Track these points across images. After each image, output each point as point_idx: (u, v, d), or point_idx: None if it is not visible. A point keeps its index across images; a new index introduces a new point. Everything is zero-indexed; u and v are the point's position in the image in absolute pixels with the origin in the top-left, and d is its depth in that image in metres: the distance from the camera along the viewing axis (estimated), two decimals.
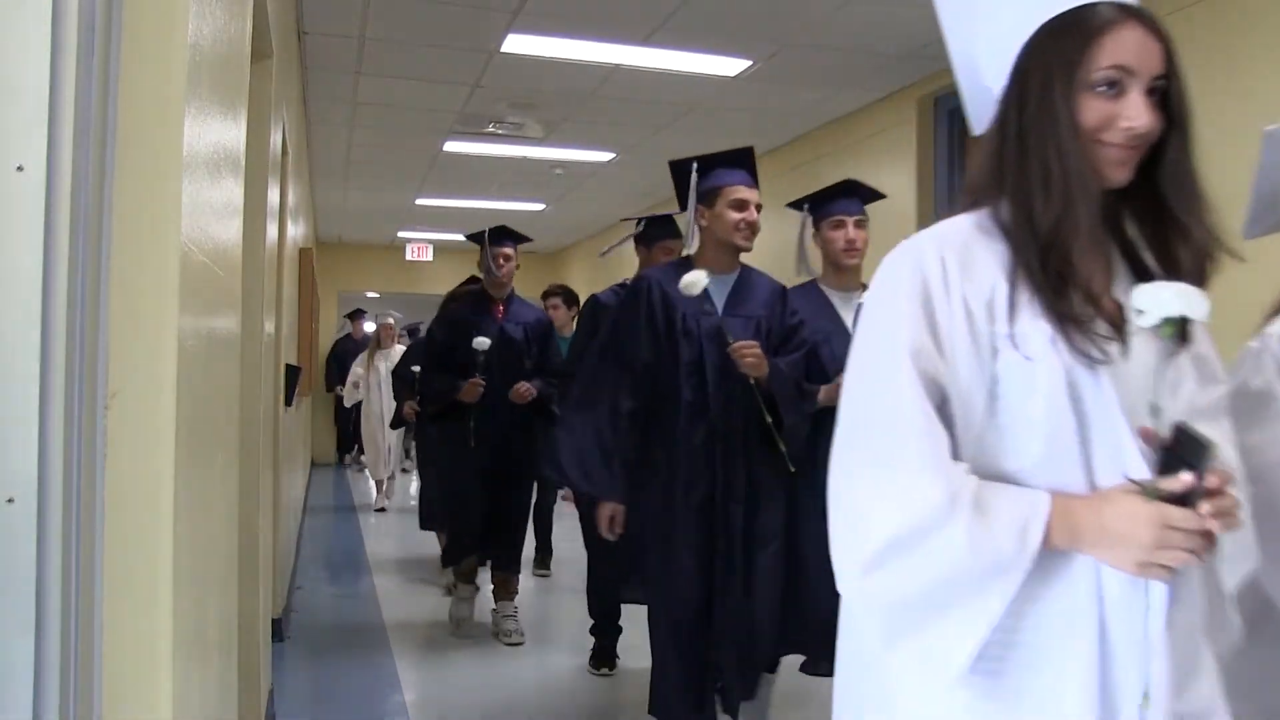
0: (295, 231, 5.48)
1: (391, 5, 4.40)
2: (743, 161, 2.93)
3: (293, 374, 4.30)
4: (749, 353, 2.78)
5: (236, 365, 2.21)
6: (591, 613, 4.17)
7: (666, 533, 2.87)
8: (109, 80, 1.11)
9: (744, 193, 2.87)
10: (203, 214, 1.54)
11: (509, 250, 4.51)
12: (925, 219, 5.28)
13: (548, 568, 6.05)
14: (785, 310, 3.01)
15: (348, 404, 8.93)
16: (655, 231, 3.91)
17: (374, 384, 8.78)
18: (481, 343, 4.32)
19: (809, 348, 2.98)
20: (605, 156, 7.44)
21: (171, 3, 1.29)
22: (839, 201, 3.10)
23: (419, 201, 9.51)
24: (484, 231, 4.48)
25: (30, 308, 0.99)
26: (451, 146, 7.11)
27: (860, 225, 3.09)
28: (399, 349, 8.75)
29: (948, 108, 5.32)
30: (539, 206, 9.71)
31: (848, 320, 3.07)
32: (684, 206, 2.98)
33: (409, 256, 12.18)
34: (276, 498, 3.78)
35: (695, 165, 2.90)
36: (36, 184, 0.99)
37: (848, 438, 1.13)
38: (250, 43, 2.39)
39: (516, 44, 4.89)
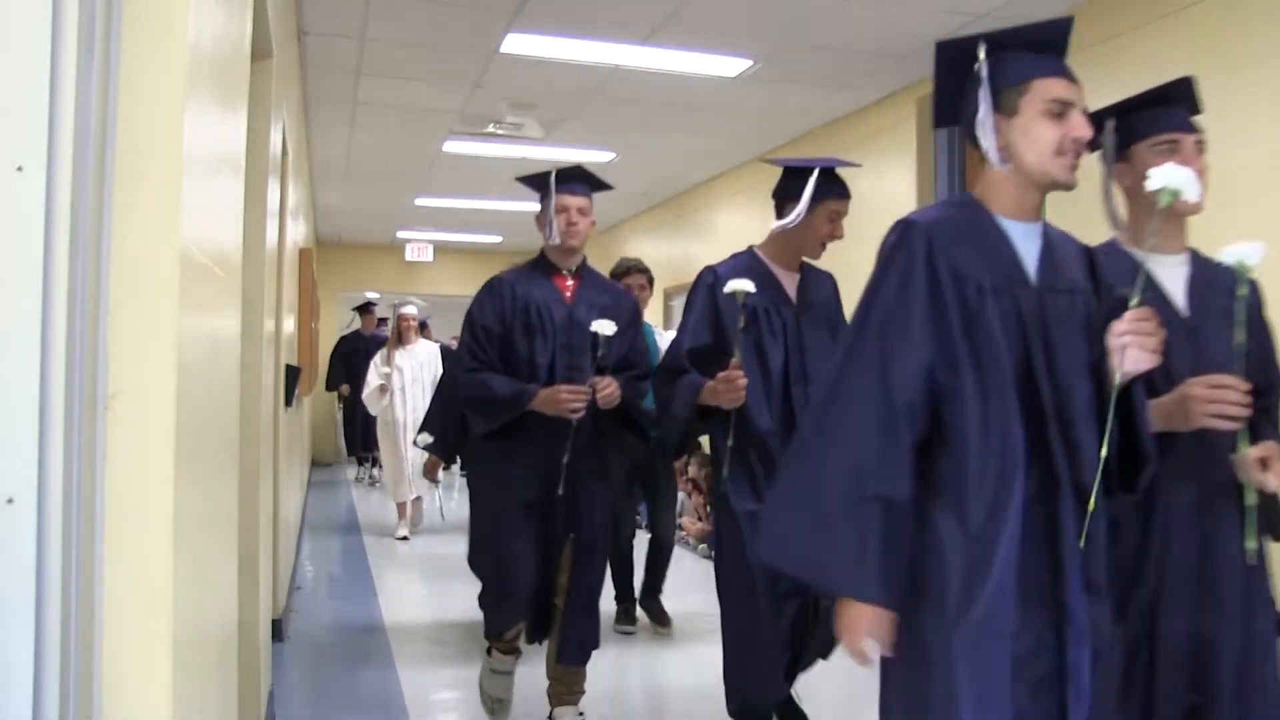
0: (295, 231, 5.49)
1: (391, 5, 4.40)
2: (1057, 41, 1.78)
3: (293, 374, 4.30)
4: (1144, 328, 1.64)
5: (236, 365, 2.21)
6: (730, 710, 2.92)
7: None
8: (109, 80, 1.11)
9: (1064, 89, 1.72)
10: (203, 214, 1.54)
11: (584, 201, 3.14)
12: None
13: (633, 622, 4.76)
14: (1099, 282, 1.86)
15: (373, 411, 7.48)
16: (822, 186, 2.78)
17: (395, 386, 7.15)
18: (605, 326, 2.95)
19: None
20: (605, 156, 7.43)
21: (171, 3, 1.29)
22: (1165, 114, 2.00)
23: (419, 201, 9.51)
24: (547, 173, 3.18)
25: (30, 308, 0.99)
26: (451, 146, 7.11)
27: (1201, 148, 1.99)
28: (424, 344, 7.32)
29: None
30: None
31: (1177, 297, 1.99)
32: (944, 115, 1.93)
33: (409, 256, 12.18)
34: (276, 497, 3.78)
35: (983, 46, 1.76)
36: (36, 184, 0.99)
37: None
38: (250, 43, 2.39)
39: (516, 44, 4.88)
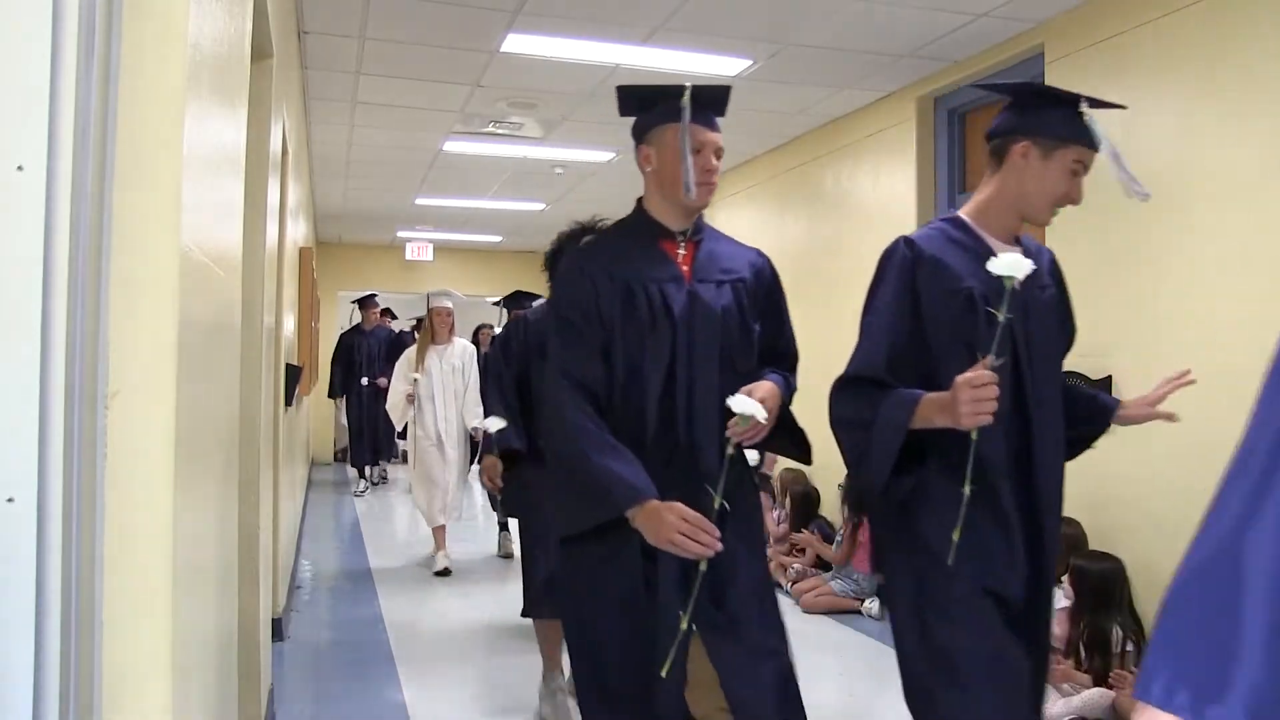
0: (295, 231, 5.49)
1: (391, 5, 4.40)
2: None
3: (293, 374, 4.30)
4: None
5: (236, 365, 2.21)
6: None
7: None
8: (109, 80, 1.11)
9: None
10: (203, 214, 1.54)
11: (719, 137, 2.23)
12: (925, 219, 5.28)
13: None
14: None
15: (398, 425, 6.41)
16: (1072, 126, 2.02)
17: (426, 393, 6.09)
18: (746, 406, 1.99)
19: None
20: (605, 156, 7.43)
21: (171, 3, 1.29)
22: None
23: (419, 201, 9.51)
24: (679, 90, 2.17)
25: (30, 308, 0.99)
26: (451, 146, 7.11)
27: None
28: (458, 344, 6.22)
29: (947, 108, 5.32)
30: (539, 206, 9.71)
31: None
32: None
33: (409, 256, 12.18)
34: (276, 497, 3.78)
35: None
36: (36, 184, 0.99)
37: None
38: (250, 43, 2.39)
39: (516, 44, 4.88)
